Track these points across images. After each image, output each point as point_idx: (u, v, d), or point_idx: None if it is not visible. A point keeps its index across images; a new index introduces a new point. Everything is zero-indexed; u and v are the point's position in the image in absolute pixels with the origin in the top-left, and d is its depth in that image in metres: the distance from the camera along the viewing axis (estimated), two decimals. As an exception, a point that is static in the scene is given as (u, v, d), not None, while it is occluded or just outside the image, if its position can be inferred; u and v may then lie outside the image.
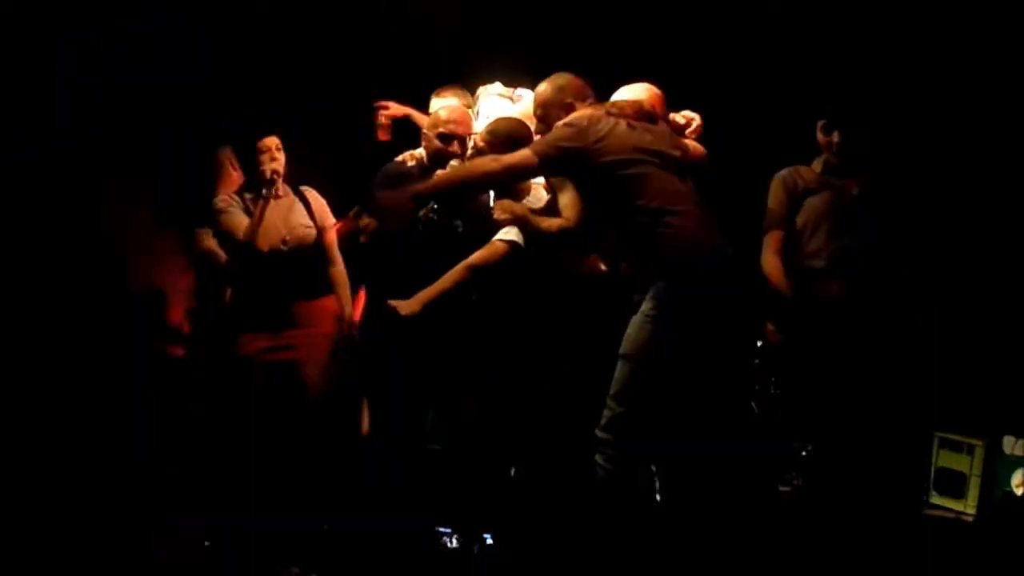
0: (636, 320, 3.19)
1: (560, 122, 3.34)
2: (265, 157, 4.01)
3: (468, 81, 4.12)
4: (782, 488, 4.03)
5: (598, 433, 3.17)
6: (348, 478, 3.78)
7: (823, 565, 3.53)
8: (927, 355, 3.97)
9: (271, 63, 4.94)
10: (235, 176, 4.40)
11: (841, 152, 3.94)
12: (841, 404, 3.80)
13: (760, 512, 3.60)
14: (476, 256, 3.49)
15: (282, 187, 4.07)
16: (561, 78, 3.48)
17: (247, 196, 4.07)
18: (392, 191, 3.68)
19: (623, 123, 3.31)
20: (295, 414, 3.90)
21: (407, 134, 4.26)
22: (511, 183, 3.52)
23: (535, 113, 3.49)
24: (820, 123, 4.00)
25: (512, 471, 3.61)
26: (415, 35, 4.92)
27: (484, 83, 4.03)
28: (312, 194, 4.17)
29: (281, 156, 4.04)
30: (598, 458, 3.16)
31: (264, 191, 3.99)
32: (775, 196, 3.98)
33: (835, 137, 3.94)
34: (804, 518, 3.73)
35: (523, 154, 3.30)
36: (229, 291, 4.33)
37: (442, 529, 3.63)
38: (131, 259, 4.70)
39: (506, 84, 4.02)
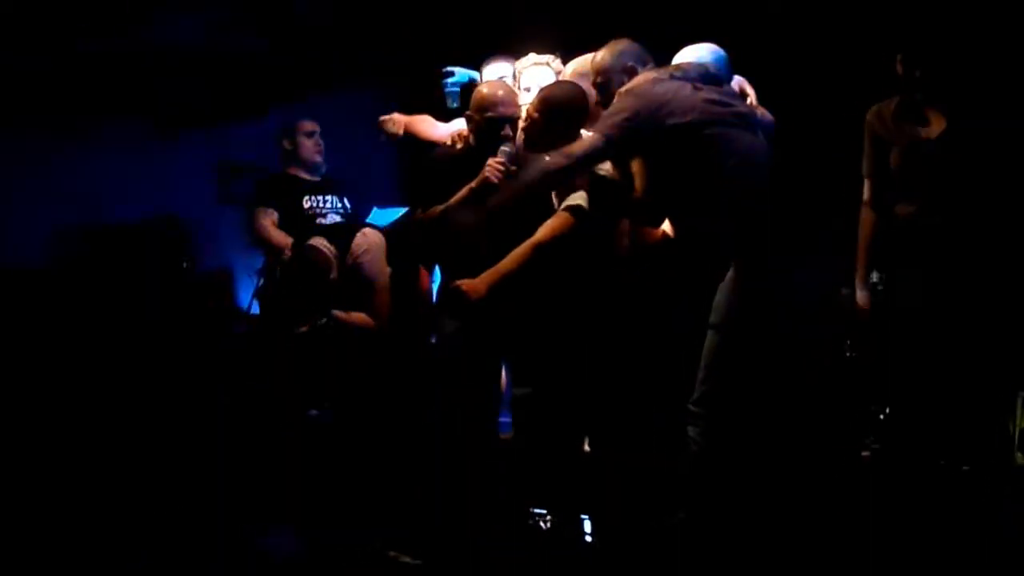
0: (723, 288, 3.11)
1: (620, 90, 3.23)
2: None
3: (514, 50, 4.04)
4: (862, 453, 3.98)
5: (691, 407, 3.11)
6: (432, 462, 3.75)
7: (903, 530, 3.47)
8: (1011, 311, 3.81)
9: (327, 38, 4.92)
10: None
11: (924, 89, 3.55)
12: (921, 365, 3.69)
13: (840, 477, 3.56)
14: (543, 232, 3.41)
15: None
16: (620, 43, 3.36)
17: None
18: (460, 209, 3.58)
19: (688, 86, 3.21)
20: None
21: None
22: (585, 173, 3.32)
23: (594, 81, 3.36)
24: (899, 57, 3.60)
25: (585, 446, 3.59)
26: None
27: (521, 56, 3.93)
28: None
29: None
30: (691, 431, 3.11)
31: None
32: (866, 141, 3.69)
33: (918, 72, 3.53)
34: (883, 482, 3.67)
35: (591, 141, 3.16)
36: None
37: (537, 510, 3.59)
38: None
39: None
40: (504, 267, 3.37)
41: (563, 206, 3.45)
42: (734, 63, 3.56)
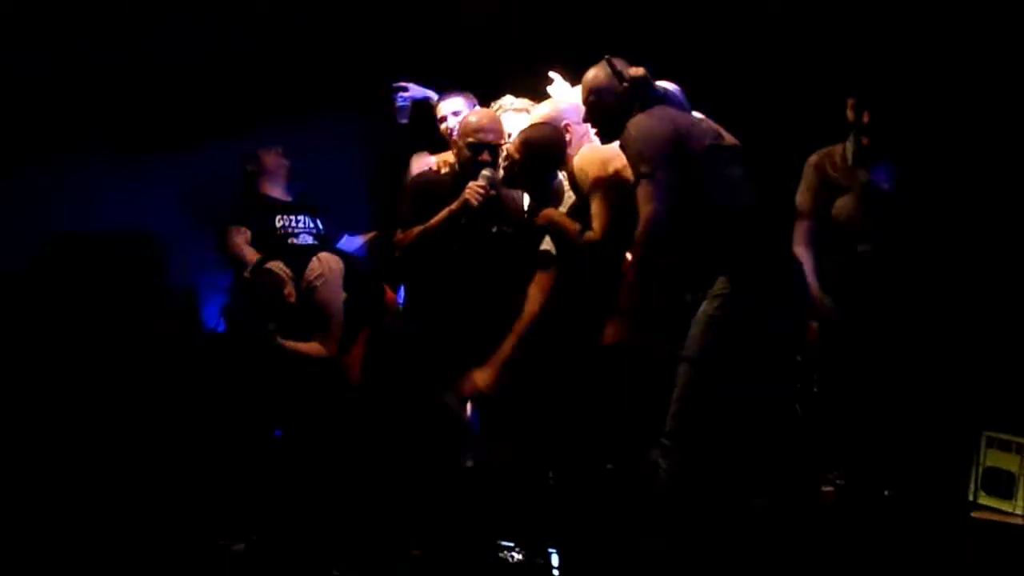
0: (698, 321, 3.11)
1: (632, 125, 3.15)
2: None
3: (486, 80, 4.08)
4: (824, 488, 3.98)
5: (663, 440, 3.11)
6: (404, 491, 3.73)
7: (866, 567, 3.48)
8: (975, 351, 3.84)
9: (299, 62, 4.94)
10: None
11: (873, 133, 3.56)
12: (885, 403, 3.70)
13: (803, 512, 3.56)
14: (532, 303, 3.45)
15: None
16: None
17: None
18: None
19: (686, 114, 3.22)
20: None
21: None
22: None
23: (585, 99, 3.33)
24: (850, 101, 3.62)
25: (549, 478, 3.58)
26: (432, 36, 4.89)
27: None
28: None
29: None
30: (662, 463, 3.10)
31: None
32: (806, 181, 3.69)
33: (866, 117, 3.56)
34: (847, 519, 3.68)
35: (648, 190, 3.04)
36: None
37: (505, 543, 3.58)
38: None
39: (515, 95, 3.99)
40: (507, 350, 3.45)
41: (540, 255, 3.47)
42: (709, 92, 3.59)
